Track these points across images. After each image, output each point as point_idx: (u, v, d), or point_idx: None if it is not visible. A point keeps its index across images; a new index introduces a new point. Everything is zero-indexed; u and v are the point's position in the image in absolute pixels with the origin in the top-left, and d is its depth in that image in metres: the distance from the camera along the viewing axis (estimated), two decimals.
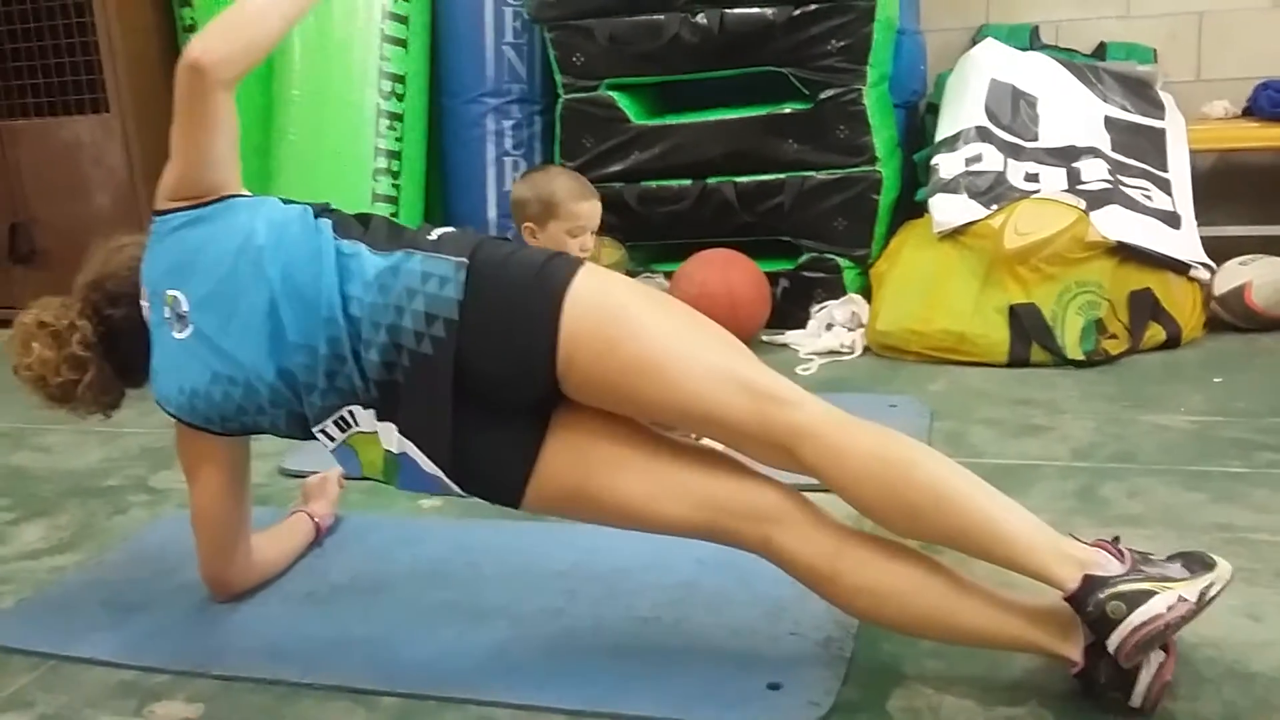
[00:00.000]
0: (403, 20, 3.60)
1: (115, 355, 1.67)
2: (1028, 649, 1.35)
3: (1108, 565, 1.29)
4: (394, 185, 3.61)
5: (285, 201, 1.60)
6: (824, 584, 1.40)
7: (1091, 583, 1.27)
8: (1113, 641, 1.24)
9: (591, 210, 2.43)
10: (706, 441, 2.08)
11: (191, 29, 3.83)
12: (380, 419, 1.47)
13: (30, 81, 4.04)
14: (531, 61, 3.78)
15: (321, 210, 1.57)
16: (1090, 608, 1.26)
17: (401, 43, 3.61)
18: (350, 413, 1.48)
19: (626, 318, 1.40)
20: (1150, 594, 1.25)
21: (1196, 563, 1.32)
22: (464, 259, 1.43)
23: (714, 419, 1.40)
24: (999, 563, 1.35)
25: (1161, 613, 1.23)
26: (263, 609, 1.73)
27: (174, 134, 1.55)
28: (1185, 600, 1.25)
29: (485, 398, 1.43)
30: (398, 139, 3.62)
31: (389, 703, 1.45)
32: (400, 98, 3.62)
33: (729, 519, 1.42)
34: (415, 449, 1.46)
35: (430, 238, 1.49)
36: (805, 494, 1.44)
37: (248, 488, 1.70)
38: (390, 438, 1.47)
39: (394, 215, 3.60)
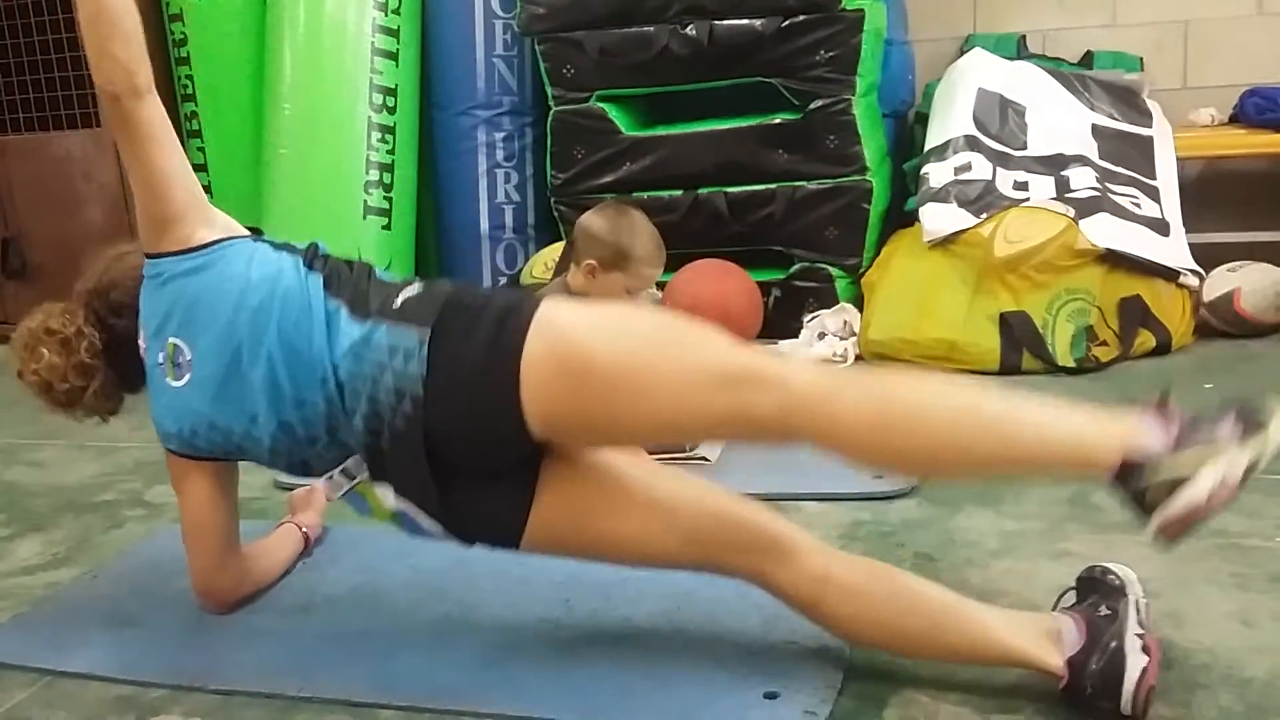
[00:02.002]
0: (393, 34, 3.62)
1: (118, 363, 1.68)
2: (1013, 664, 1.36)
3: (1150, 444, 1.23)
4: (386, 198, 3.62)
5: (276, 246, 1.60)
6: (812, 610, 1.43)
7: (1129, 470, 1.23)
8: (1153, 526, 1.23)
9: (658, 274, 2.48)
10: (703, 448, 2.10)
11: (182, 43, 3.84)
12: (374, 479, 1.51)
13: (21, 96, 4.04)
14: (522, 73, 3.80)
15: (311, 257, 1.58)
16: (1131, 492, 1.24)
17: (392, 56, 3.62)
18: (355, 463, 1.51)
19: (584, 356, 1.38)
20: (1193, 478, 1.21)
21: (1248, 420, 1.24)
22: (426, 330, 1.43)
23: (700, 426, 1.40)
24: (1033, 471, 1.34)
25: (1203, 499, 1.20)
26: (259, 622, 1.73)
27: (129, 169, 1.57)
28: (1227, 483, 1.21)
29: (470, 460, 1.46)
30: (389, 152, 3.62)
31: (387, 715, 1.45)
32: (391, 110, 3.63)
33: (719, 553, 1.45)
34: (411, 506, 1.50)
35: (395, 304, 1.48)
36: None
37: (234, 497, 1.71)
38: (387, 496, 1.51)
39: (385, 228, 3.61)
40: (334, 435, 1.50)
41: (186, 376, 1.57)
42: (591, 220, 2.42)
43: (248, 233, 1.66)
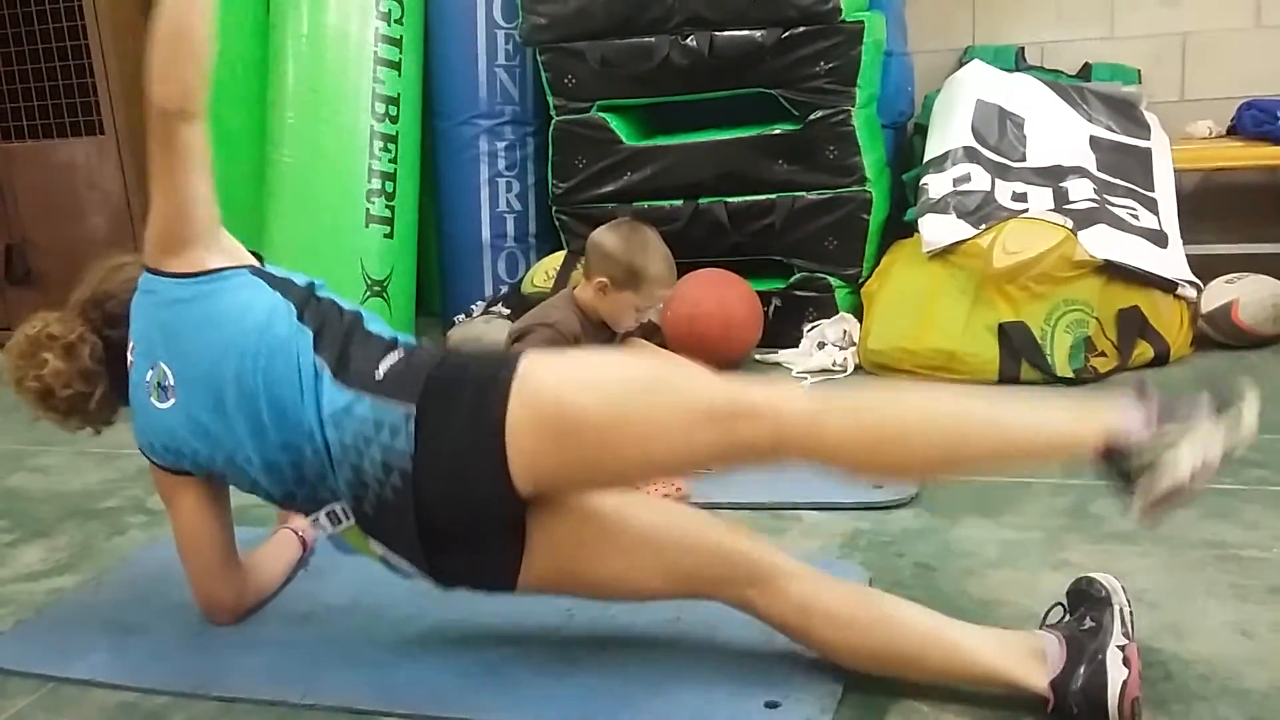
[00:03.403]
0: (396, 43, 3.63)
1: (115, 372, 1.68)
2: (999, 684, 1.37)
3: (1131, 430, 1.28)
4: (388, 206, 3.62)
5: (274, 283, 1.59)
6: (798, 637, 1.45)
7: (1112, 453, 1.29)
8: (1137, 504, 1.28)
9: (668, 295, 2.52)
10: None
11: None
12: (365, 533, 1.52)
13: (25, 104, 4.04)
14: (524, 83, 3.81)
15: (304, 306, 1.57)
16: (1115, 477, 1.29)
17: (395, 65, 3.63)
18: (342, 509, 1.52)
19: (570, 414, 1.40)
20: (1175, 459, 1.26)
21: (1230, 403, 1.31)
22: (411, 407, 1.44)
23: (693, 461, 1.42)
24: (1022, 460, 1.42)
25: (1186, 477, 1.25)
26: (262, 630, 1.73)
27: (154, 178, 1.55)
28: (1207, 463, 1.26)
29: (456, 527, 1.48)
30: (392, 161, 3.63)
31: None
32: (394, 120, 3.63)
33: (704, 585, 1.48)
34: (399, 558, 1.52)
35: (378, 374, 1.49)
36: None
37: (227, 506, 1.72)
38: (375, 546, 1.53)
39: (387, 236, 3.62)
40: (322, 481, 1.52)
41: (171, 401, 1.57)
42: (605, 237, 2.41)
43: (253, 260, 1.65)
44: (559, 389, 1.42)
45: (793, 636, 1.45)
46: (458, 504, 1.45)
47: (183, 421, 1.58)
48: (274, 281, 1.60)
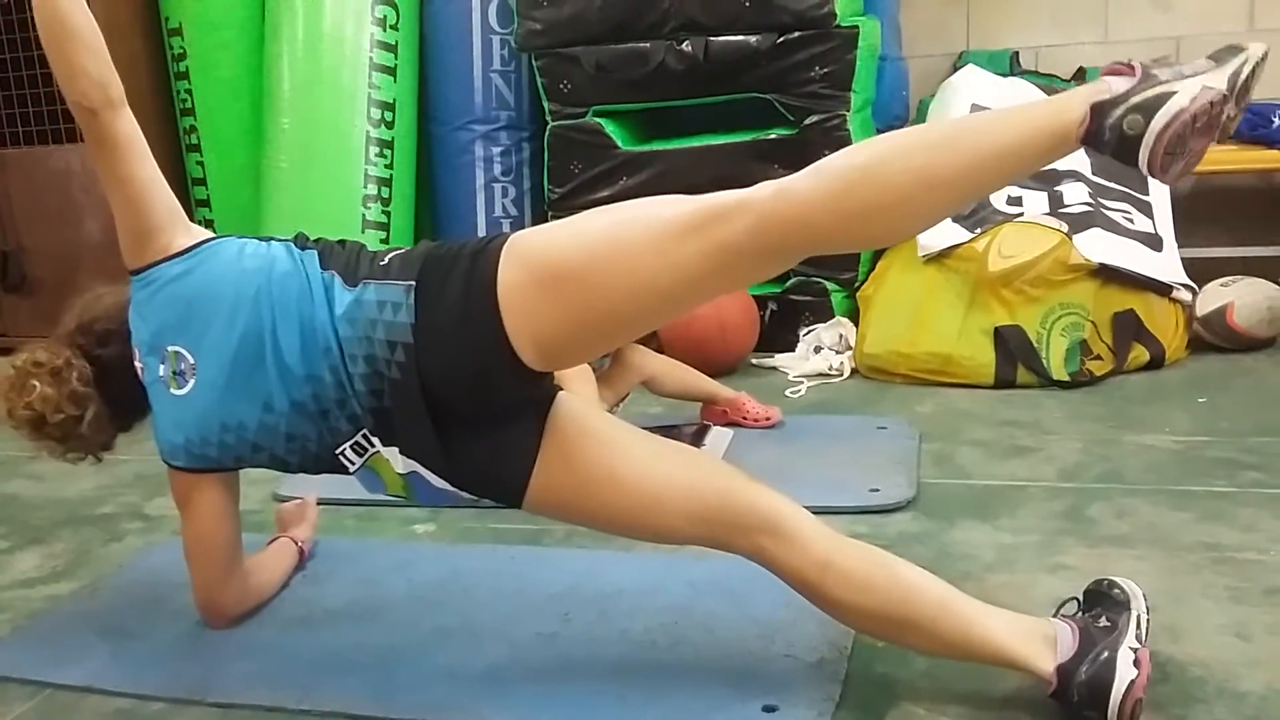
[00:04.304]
0: (391, 49, 3.63)
1: (109, 393, 1.67)
2: (1005, 664, 1.37)
3: (1114, 85, 1.21)
4: (384, 212, 3.63)
5: (261, 239, 1.62)
6: (811, 593, 1.44)
7: (1100, 109, 1.20)
8: (1142, 159, 1.18)
9: None
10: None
11: (181, 58, 3.85)
12: (385, 445, 1.51)
13: (20, 110, 4.04)
14: (519, 89, 3.82)
15: (301, 240, 1.60)
16: (1107, 135, 1.19)
17: (390, 71, 3.64)
18: (365, 437, 1.51)
19: (553, 262, 1.39)
20: (1168, 94, 1.17)
21: (1223, 52, 1.22)
22: (411, 281, 1.45)
23: (686, 283, 1.37)
24: (1004, 170, 1.30)
25: (1184, 106, 1.16)
26: (258, 635, 1.73)
27: (108, 185, 1.56)
28: (1210, 88, 1.17)
29: (469, 406, 1.46)
30: (388, 166, 3.64)
31: None
32: (390, 125, 3.64)
33: (722, 530, 1.46)
34: (420, 467, 1.50)
35: (382, 263, 1.51)
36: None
37: (238, 510, 1.72)
38: (397, 460, 1.51)
39: (384, 241, 3.62)
40: (342, 409, 1.50)
41: (191, 382, 1.56)
42: None
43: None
44: (541, 244, 1.42)
45: (805, 592, 1.44)
46: (461, 375, 1.43)
47: (207, 398, 1.56)
48: (261, 238, 1.63)
